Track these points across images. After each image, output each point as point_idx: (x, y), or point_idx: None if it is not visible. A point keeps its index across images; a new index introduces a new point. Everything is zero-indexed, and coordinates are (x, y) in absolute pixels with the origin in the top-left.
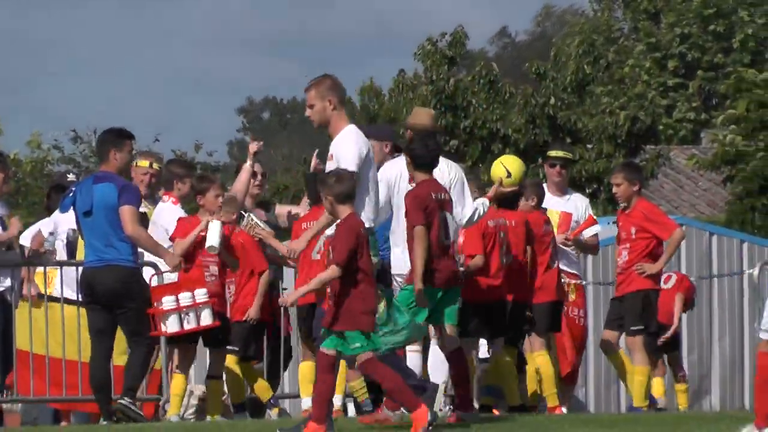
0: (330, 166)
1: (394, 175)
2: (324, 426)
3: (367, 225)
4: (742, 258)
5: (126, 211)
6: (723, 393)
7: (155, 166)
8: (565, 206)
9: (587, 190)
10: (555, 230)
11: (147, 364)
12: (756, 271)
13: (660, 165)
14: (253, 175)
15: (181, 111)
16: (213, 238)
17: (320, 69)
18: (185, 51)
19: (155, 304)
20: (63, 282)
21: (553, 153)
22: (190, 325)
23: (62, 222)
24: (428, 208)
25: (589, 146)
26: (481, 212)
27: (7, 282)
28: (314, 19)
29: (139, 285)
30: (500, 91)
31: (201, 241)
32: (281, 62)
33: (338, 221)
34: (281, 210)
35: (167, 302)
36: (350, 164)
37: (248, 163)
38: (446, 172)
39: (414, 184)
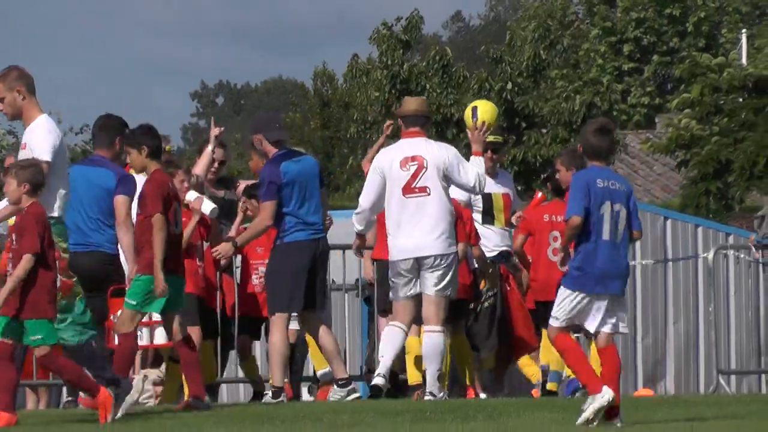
0: (23, 155)
1: (387, 162)
2: (11, 414)
3: (57, 214)
4: (697, 242)
5: (120, 201)
6: (677, 377)
7: (167, 148)
8: (500, 188)
9: (542, 175)
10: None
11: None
12: (710, 255)
13: (616, 150)
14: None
15: (134, 95)
16: (207, 205)
17: (274, 53)
18: (141, 36)
19: (111, 317)
20: None
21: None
22: (143, 341)
23: None
24: (168, 196)
25: (544, 131)
26: (480, 171)
27: None
28: (270, 4)
29: (119, 272)
30: (454, 75)
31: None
32: (235, 47)
33: (24, 210)
34: (243, 185)
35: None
36: (44, 154)
37: (209, 147)
38: (435, 153)
39: None
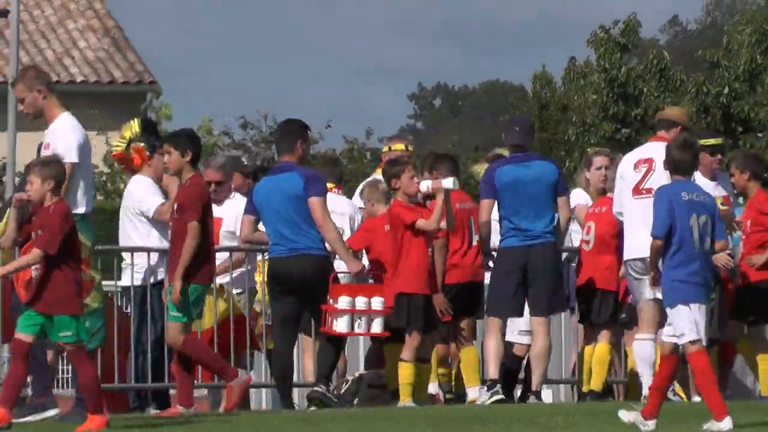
0: (47, 153)
1: (627, 164)
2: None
3: (83, 210)
4: None
5: (315, 203)
6: None
7: (410, 148)
8: (720, 191)
9: None
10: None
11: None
12: None
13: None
14: None
15: (352, 98)
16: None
17: (491, 56)
18: (357, 39)
19: (330, 300)
20: None
21: (703, 141)
22: (360, 329)
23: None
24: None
25: (760, 135)
26: None
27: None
28: (485, 6)
29: (329, 276)
30: (671, 79)
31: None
32: (452, 50)
33: (47, 206)
34: None
35: (342, 302)
36: (70, 153)
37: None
38: None
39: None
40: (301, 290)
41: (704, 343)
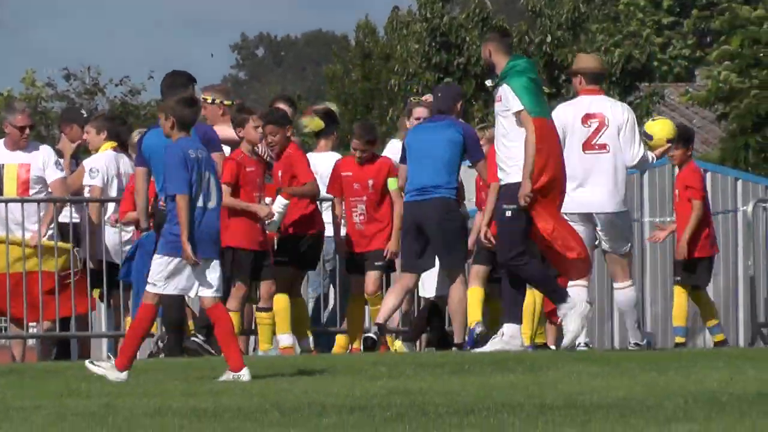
0: None
1: (570, 117)
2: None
3: None
4: (736, 195)
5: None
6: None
7: (217, 100)
8: None
9: None
10: None
11: None
12: (750, 208)
13: (654, 103)
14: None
15: (174, 48)
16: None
17: (315, 6)
18: None
19: None
20: None
21: None
22: None
23: None
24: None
25: None
26: (651, 163)
27: None
28: None
29: None
30: (494, 28)
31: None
32: (275, 0)
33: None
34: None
35: None
36: None
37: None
38: (619, 113)
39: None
40: None
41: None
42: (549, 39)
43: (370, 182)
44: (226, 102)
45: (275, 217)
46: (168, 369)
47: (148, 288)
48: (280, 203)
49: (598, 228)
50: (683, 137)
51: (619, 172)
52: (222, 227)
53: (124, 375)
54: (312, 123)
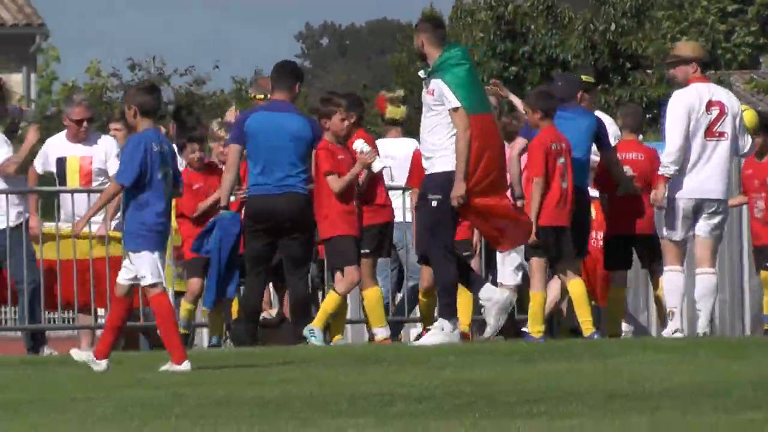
0: None
1: (697, 104)
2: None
3: None
4: None
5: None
6: None
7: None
8: None
9: (648, 115)
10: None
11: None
12: None
13: None
14: None
15: (240, 38)
16: (378, 164)
17: None
18: None
19: None
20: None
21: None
22: None
23: None
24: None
25: (649, 72)
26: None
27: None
28: None
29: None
30: (559, 16)
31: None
32: None
33: None
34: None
35: None
36: None
37: None
38: (735, 102)
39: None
40: (282, 229)
41: None
42: (613, 27)
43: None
44: (258, 96)
45: (373, 157)
46: (235, 358)
47: (151, 282)
48: (361, 144)
49: (705, 213)
50: (765, 125)
51: (732, 159)
52: (321, 217)
53: (187, 365)
54: (397, 111)
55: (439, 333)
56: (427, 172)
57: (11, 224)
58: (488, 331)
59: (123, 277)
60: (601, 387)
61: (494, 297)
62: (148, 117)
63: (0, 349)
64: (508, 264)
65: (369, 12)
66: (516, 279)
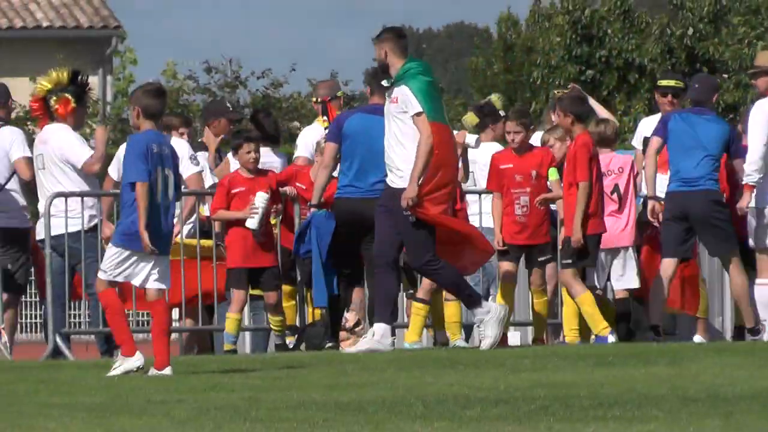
0: None
1: None
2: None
3: None
4: None
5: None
6: None
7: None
8: None
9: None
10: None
11: None
12: None
13: None
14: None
15: (316, 40)
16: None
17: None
18: None
19: None
20: None
21: (663, 82)
22: None
23: None
24: None
25: (726, 76)
26: None
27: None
28: None
29: None
30: (636, 20)
31: None
32: None
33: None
34: None
35: None
36: None
37: None
38: None
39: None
40: (368, 232)
41: None
42: (690, 32)
43: (534, 173)
44: (318, 100)
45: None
46: (311, 362)
47: (99, 275)
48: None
49: (761, 222)
50: None
51: None
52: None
53: (139, 357)
54: (468, 118)
55: (371, 339)
56: (393, 186)
57: (85, 227)
58: (486, 342)
59: (137, 284)
60: (677, 391)
61: (487, 307)
62: (152, 119)
63: (75, 352)
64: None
65: (447, 16)
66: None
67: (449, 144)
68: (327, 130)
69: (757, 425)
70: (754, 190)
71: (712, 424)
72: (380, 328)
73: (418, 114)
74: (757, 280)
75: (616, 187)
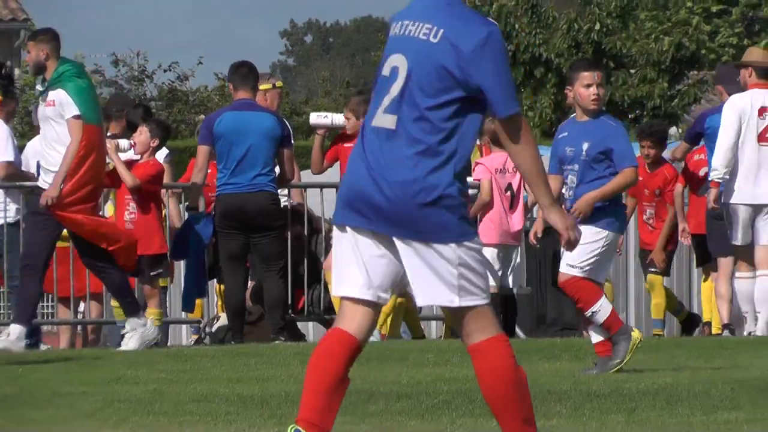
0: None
1: (748, 108)
2: None
3: None
4: None
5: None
6: None
7: (278, 84)
8: None
9: (629, 116)
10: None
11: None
12: None
13: (703, 91)
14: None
15: (223, 34)
16: None
17: None
18: None
19: None
20: None
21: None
22: None
23: None
24: None
25: (633, 71)
26: None
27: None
28: None
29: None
30: (543, 15)
31: None
32: None
33: None
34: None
35: None
36: None
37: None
38: None
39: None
40: (254, 227)
41: None
42: (598, 27)
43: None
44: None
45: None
46: (215, 355)
47: None
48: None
49: (762, 217)
50: None
51: None
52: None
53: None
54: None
55: (5, 339)
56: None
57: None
58: (129, 345)
59: None
60: (580, 386)
61: (143, 321)
62: None
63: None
64: None
65: (354, 10)
66: None
67: (102, 146)
68: (198, 134)
69: (660, 421)
70: (720, 187)
71: (616, 420)
72: (16, 329)
73: (76, 117)
74: (737, 274)
75: (509, 186)
